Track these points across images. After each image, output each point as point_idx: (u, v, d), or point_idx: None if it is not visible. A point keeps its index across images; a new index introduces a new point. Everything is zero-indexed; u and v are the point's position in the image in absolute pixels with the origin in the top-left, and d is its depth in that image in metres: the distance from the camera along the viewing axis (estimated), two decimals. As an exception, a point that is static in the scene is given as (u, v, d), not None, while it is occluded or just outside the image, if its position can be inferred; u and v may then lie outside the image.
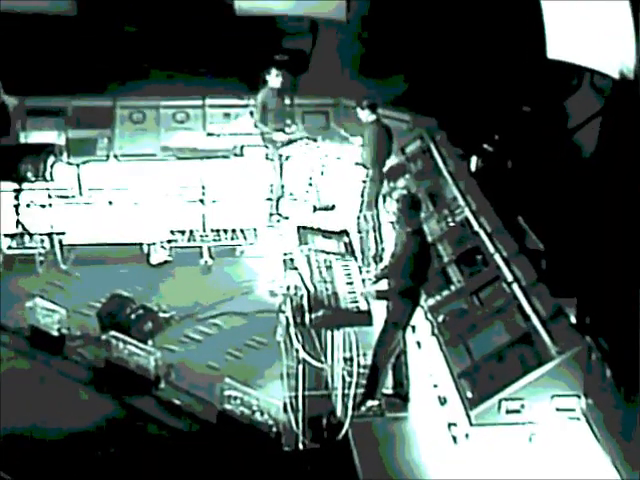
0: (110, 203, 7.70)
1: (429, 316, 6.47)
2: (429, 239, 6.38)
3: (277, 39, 9.56)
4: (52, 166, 7.64)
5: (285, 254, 6.27)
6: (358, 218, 7.46)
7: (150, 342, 6.63)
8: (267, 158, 8.01)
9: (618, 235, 6.12)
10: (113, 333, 6.44)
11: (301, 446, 5.71)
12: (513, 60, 7.88)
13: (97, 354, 6.51)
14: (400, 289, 5.58)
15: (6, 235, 7.64)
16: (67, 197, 7.64)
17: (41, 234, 7.66)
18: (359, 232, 7.41)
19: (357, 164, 7.45)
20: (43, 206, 7.58)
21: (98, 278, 7.41)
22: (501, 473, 5.23)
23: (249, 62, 8.87)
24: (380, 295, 5.66)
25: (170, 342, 6.76)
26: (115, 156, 8.25)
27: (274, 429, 5.77)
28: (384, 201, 7.77)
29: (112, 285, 7.14)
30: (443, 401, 5.87)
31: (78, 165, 7.69)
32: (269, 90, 8.03)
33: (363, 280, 5.82)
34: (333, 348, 5.81)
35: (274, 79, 7.99)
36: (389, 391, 5.92)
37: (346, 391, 5.67)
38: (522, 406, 5.51)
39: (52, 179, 7.58)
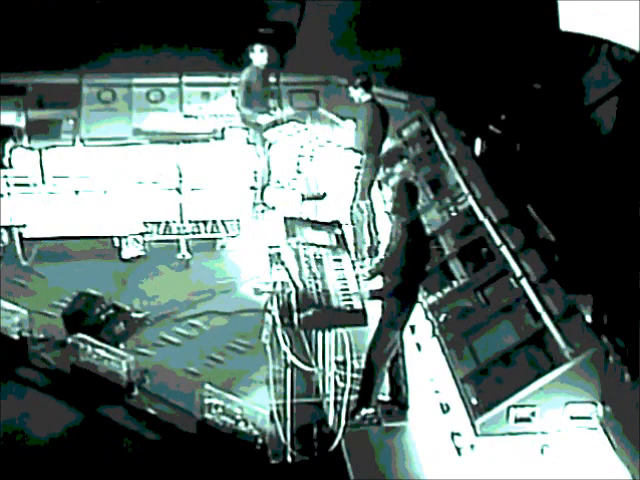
0: (76, 192, 7.64)
1: (429, 315, 6.48)
2: (428, 230, 6.40)
3: (261, 11, 9.53)
4: (10, 151, 7.56)
5: (271, 248, 6.28)
6: (351, 208, 7.44)
7: (122, 345, 6.61)
8: (250, 142, 7.97)
9: (638, 225, 6.11)
10: (80, 336, 6.40)
11: (289, 459, 5.69)
12: (522, 32, 7.85)
13: (62, 359, 6.46)
14: (396, 286, 5.58)
15: (-41, 228, 7.60)
16: (28, 186, 7.56)
17: (-1, 227, 7.63)
18: (352, 223, 7.40)
19: (350, 149, 7.41)
20: (1, 196, 7.49)
21: (63, 275, 7.35)
22: (510, 488, 5.25)
23: (230, 36, 8.83)
24: (375, 294, 5.66)
25: (144, 345, 6.74)
26: (82, 140, 8.17)
27: (260, 440, 5.76)
28: (380, 189, 7.80)
29: (79, 283, 7.10)
30: (445, 409, 5.87)
31: (40, 150, 7.60)
32: (252, 67, 7.97)
33: (357, 276, 5.80)
34: (324, 351, 5.79)
35: (258, 55, 7.95)
36: (386, 398, 5.92)
37: (339, 398, 5.67)
38: (533, 414, 5.51)
39: (11, 166, 7.49)
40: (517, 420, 5.50)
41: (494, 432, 5.52)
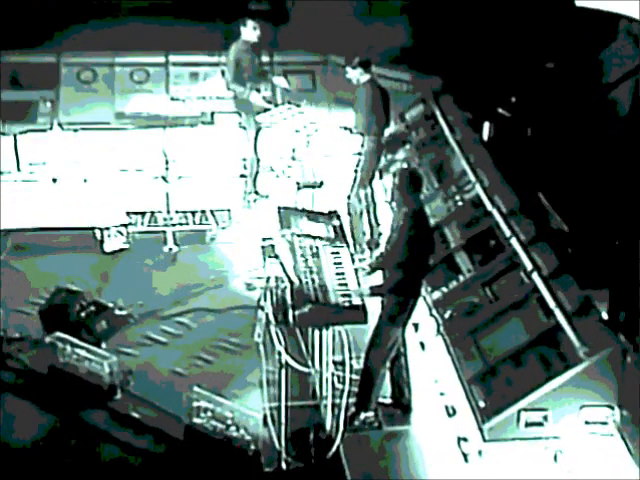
0: (54, 181, 7.63)
1: (434, 312, 6.46)
2: (432, 221, 6.37)
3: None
4: (-18, 136, 7.55)
5: (264, 240, 6.28)
6: (349, 197, 7.41)
7: (104, 345, 6.59)
8: (241, 126, 7.94)
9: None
10: (59, 334, 6.37)
11: (284, 465, 5.68)
12: (534, 7, 7.80)
13: (39, 360, 6.42)
14: (397, 281, 5.55)
15: None
16: (2, 173, 7.53)
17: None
18: (350, 214, 7.38)
19: (348, 129, 7.37)
20: (-28, 184, 7.53)
21: (41, 269, 7.32)
22: (520, 497, 5.25)
23: (219, 11, 8.77)
24: (375, 290, 5.64)
25: (128, 345, 6.71)
26: (60, 124, 8.13)
27: (252, 446, 5.74)
28: (380, 177, 7.77)
29: (58, 278, 7.08)
30: (451, 412, 5.85)
31: (15, 135, 7.59)
32: (244, 45, 7.92)
33: (356, 270, 5.78)
34: (321, 350, 5.77)
35: (249, 32, 7.89)
36: (387, 400, 5.91)
37: (337, 401, 5.65)
38: (545, 418, 5.49)
39: (-18, 152, 7.50)
40: (528, 424, 5.47)
41: (503, 437, 5.49)
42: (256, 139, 8.00)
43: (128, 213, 7.77)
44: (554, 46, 7.77)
